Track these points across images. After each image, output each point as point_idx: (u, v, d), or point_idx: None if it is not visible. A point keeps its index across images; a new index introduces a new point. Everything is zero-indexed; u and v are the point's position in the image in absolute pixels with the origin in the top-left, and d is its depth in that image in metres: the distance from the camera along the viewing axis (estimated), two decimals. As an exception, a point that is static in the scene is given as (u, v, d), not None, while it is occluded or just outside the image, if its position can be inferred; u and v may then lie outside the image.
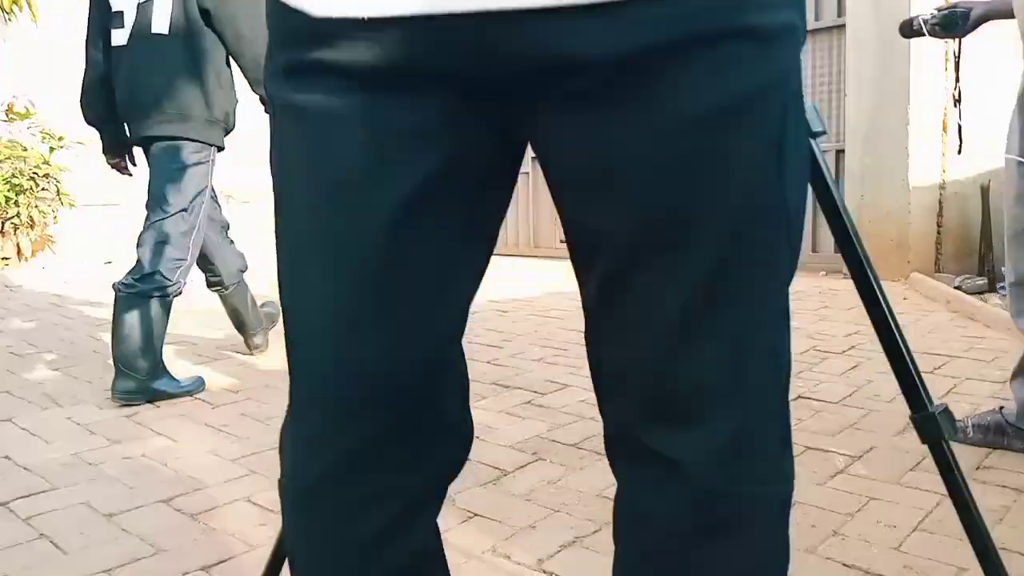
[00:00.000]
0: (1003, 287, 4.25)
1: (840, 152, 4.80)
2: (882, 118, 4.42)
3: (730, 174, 0.51)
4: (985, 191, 4.12)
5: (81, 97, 2.58)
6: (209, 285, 2.84)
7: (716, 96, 0.49)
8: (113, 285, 2.43)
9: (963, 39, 1.87)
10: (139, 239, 2.47)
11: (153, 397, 2.41)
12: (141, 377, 2.39)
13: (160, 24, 2.38)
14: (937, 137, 4.44)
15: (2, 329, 3.68)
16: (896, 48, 4.31)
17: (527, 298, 4.23)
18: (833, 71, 4.86)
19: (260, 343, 3.01)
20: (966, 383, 2.45)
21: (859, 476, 1.75)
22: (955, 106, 1.84)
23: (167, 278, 2.42)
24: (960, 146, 1.87)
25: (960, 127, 1.85)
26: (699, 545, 0.57)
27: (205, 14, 2.40)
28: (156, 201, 2.48)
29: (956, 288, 3.84)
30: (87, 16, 2.54)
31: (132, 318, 2.37)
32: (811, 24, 4.93)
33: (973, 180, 4.42)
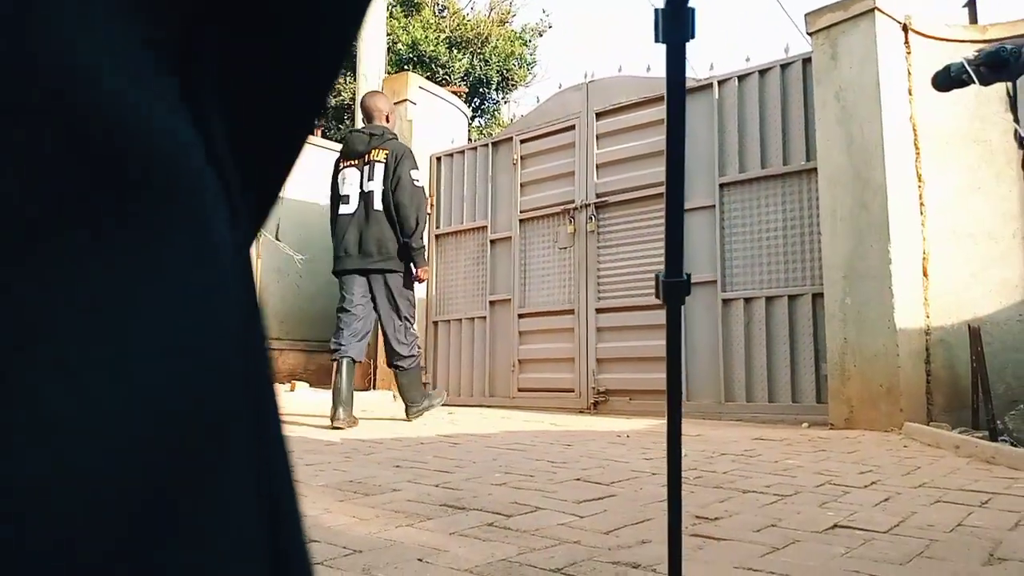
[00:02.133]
0: (1004, 439, 3.88)
1: (817, 295, 4.57)
2: (861, 258, 4.23)
3: None
4: (975, 333, 3.86)
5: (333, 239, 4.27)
6: (391, 364, 4.31)
7: None
8: (388, 365, 4.32)
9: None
10: (388, 342, 4.20)
11: (428, 408, 4.32)
12: (419, 406, 4.25)
13: (378, 204, 4.12)
14: (919, 280, 4.25)
15: None
16: (870, 186, 4.22)
17: (482, 434, 3.68)
18: (804, 214, 4.75)
19: (413, 415, 4.28)
20: (1029, 518, 1.98)
21: (967, 611, 1.23)
22: (1020, 148, 1.53)
23: (414, 355, 4.19)
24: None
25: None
26: None
27: (392, 194, 4.12)
28: (398, 318, 4.15)
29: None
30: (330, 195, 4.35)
31: (405, 380, 4.22)
32: (779, 169, 4.88)
33: (957, 327, 4.18)
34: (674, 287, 0.93)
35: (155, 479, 0.15)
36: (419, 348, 4.28)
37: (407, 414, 4.25)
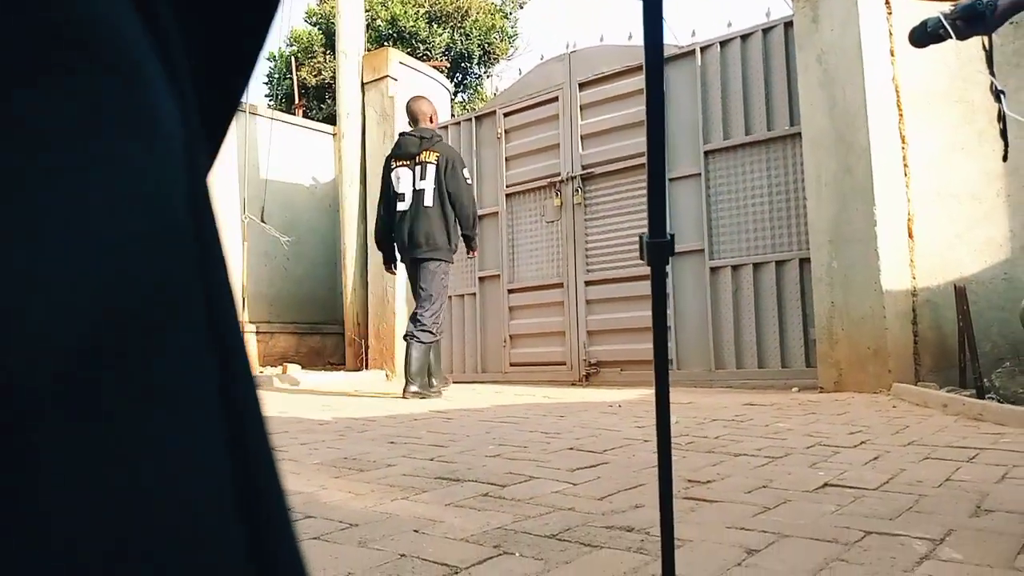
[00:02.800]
0: (992, 397, 3.92)
1: (804, 260, 4.59)
2: (847, 221, 4.25)
3: None
4: (961, 293, 3.89)
5: (376, 236, 4.91)
6: (408, 335, 4.56)
7: None
8: (404, 336, 4.53)
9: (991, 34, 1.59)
10: (414, 314, 4.54)
11: (425, 396, 4.43)
12: (419, 386, 4.42)
13: (428, 201, 4.56)
14: (904, 241, 4.28)
15: None
16: (854, 149, 4.23)
17: (475, 408, 3.70)
18: (789, 179, 4.76)
19: (434, 391, 4.58)
20: (1014, 469, 2.02)
21: (955, 561, 1.25)
22: (996, 101, 1.53)
23: (434, 333, 4.53)
24: (1005, 151, 1.55)
25: (1004, 129, 1.53)
26: None
27: (449, 195, 4.58)
28: (426, 294, 4.53)
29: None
30: (380, 191, 4.90)
31: (416, 353, 4.43)
32: (764, 135, 4.88)
33: (943, 287, 4.21)
34: (658, 248, 0.92)
35: (103, 329, 0.16)
36: (441, 332, 4.66)
37: (403, 391, 4.40)
